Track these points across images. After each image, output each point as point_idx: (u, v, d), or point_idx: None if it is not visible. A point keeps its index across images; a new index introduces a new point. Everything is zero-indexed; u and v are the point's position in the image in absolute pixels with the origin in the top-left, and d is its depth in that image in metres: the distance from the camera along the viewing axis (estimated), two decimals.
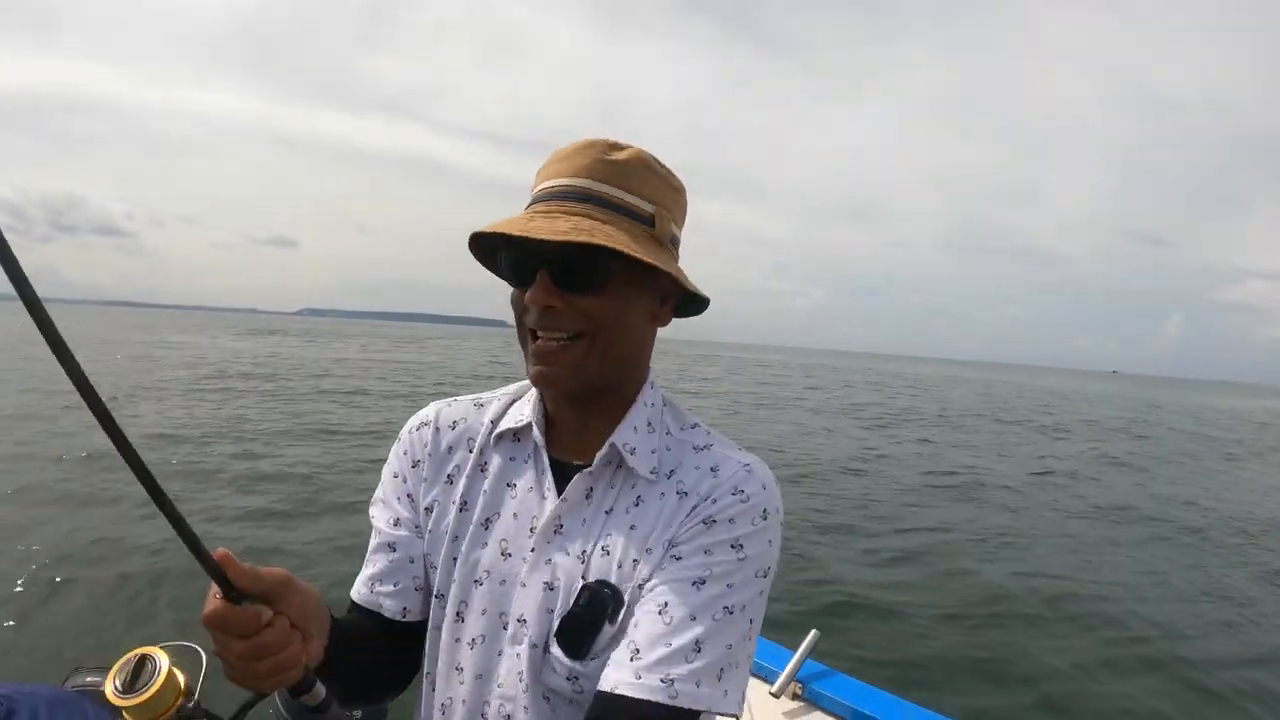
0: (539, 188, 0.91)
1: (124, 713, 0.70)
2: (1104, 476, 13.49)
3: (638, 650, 0.82)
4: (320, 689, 0.75)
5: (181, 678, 0.74)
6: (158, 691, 0.72)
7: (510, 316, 0.93)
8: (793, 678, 2.52)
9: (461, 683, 0.93)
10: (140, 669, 0.72)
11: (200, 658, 0.75)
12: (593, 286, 0.87)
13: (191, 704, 0.75)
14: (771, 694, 2.51)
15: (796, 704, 2.49)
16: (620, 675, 0.82)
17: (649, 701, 0.80)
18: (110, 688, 0.72)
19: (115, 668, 0.72)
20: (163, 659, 0.74)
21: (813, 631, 2.65)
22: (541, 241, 0.83)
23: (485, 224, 0.87)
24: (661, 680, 0.80)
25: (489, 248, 0.93)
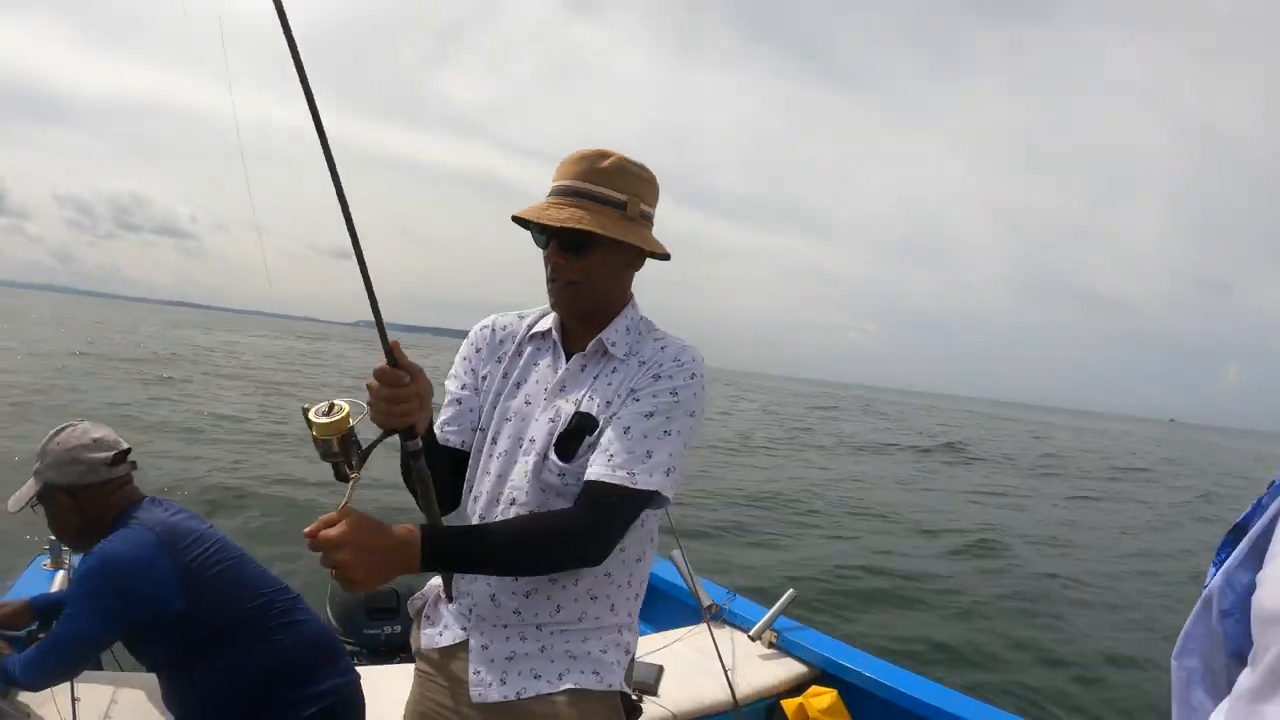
0: (555, 184, 1.39)
1: (316, 430, 1.18)
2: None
3: (611, 456, 1.29)
4: (418, 441, 1.24)
5: (351, 417, 1.19)
6: (342, 419, 1.17)
7: None
8: (769, 626, 2.85)
9: (487, 481, 1.40)
10: (331, 406, 1.18)
11: (360, 408, 1.20)
12: (582, 253, 1.35)
13: (352, 431, 1.20)
14: (749, 637, 2.85)
15: (771, 650, 2.83)
16: (600, 471, 1.28)
17: (618, 485, 1.27)
18: (314, 412, 1.18)
19: (316, 406, 1.19)
20: (342, 403, 1.19)
21: (790, 590, 2.97)
22: (550, 229, 1.34)
23: (522, 209, 1.37)
24: (627, 473, 1.27)
25: (523, 222, 1.41)
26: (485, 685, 1.36)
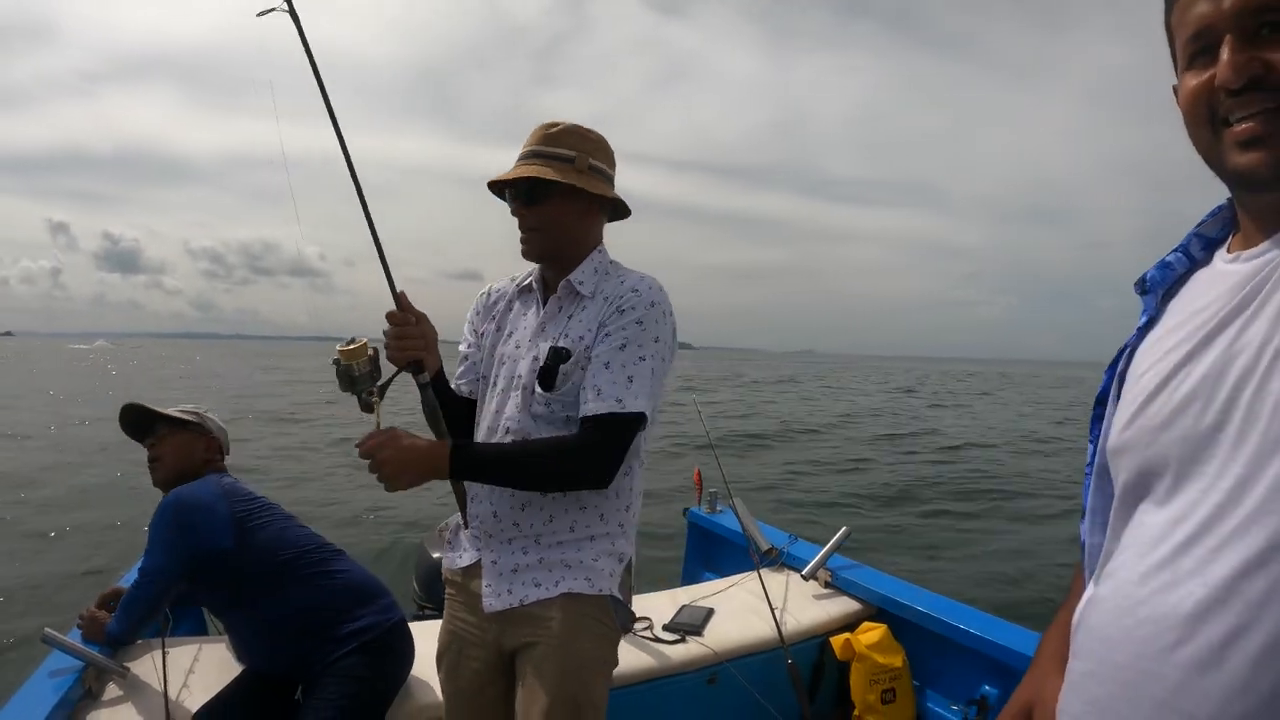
0: (518, 157, 1.60)
1: (341, 356, 1.45)
2: None
3: (599, 390, 1.47)
4: (426, 376, 1.57)
5: (370, 347, 1.48)
6: (360, 346, 1.46)
7: None
8: (822, 564, 2.85)
9: (488, 416, 1.62)
10: (353, 340, 1.47)
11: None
12: (536, 202, 1.56)
13: (373, 364, 1.49)
14: (802, 577, 2.86)
15: (825, 589, 2.83)
16: (592, 405, 1.46)
17: (610, 412, 1.45)
18: (338, 347, 1.45)
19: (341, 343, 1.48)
20: (362, 337, 1.47)
21: (843, 528, 2.95)
22: (507, 181, 1.57)
23: (497, 175, 1.59)
24: (615, 400, 1.45)
25: (498, 191, 1.63)
26: (495, 596, 1.55)
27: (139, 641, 2.37)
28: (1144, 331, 0.84)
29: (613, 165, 1.63)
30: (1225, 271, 0.76)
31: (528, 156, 1.59)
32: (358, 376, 1.47)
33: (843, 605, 2.72)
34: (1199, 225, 0.85)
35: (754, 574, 2.78)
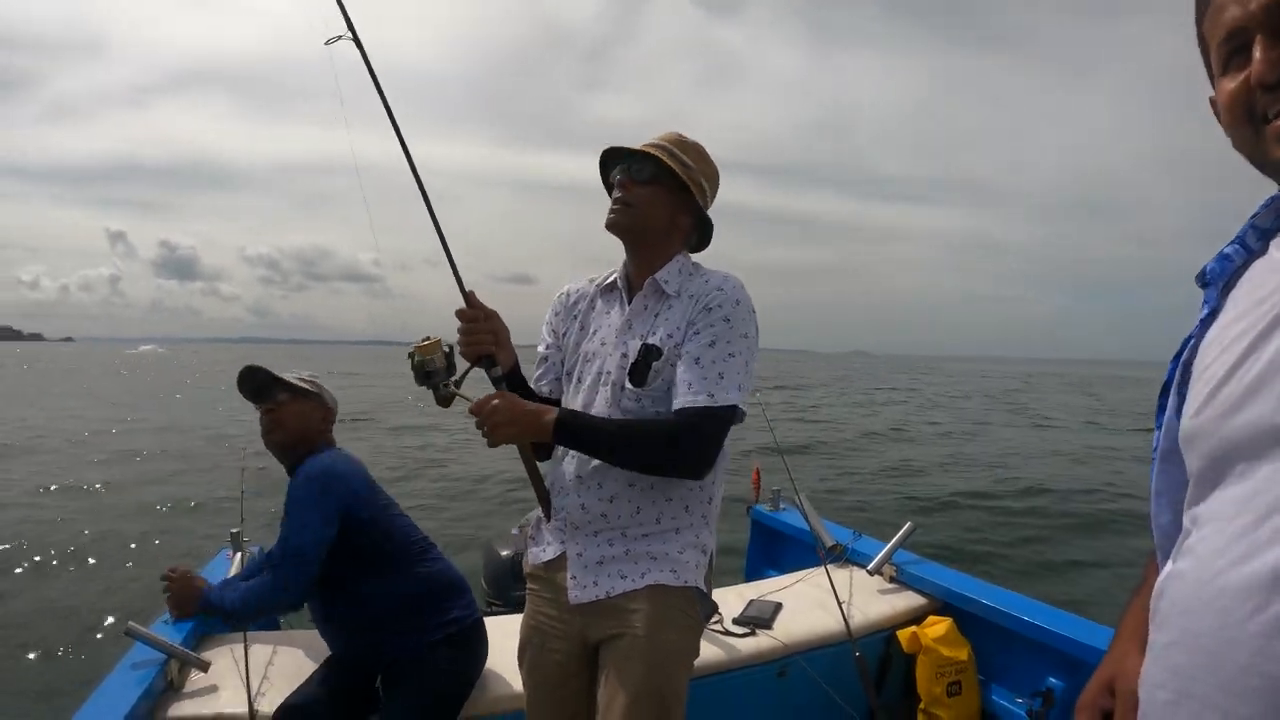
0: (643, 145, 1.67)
1: (416, 351, 1.55)
2: None
3: (690, 384, 1.52)
4: (499, 369, 1.60)
5: (444, 343, 1.57)
6: (433, 343, 1.55)
7: None
8: (888, 560, 2.90)
9: (574, 408, 1.65)
10: (427, 337, 1.56)
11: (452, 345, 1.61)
12: (645, 182, 1.62)
13: (448, 359, 1.58)
14: (868, 572, 2.91)
15: (890, 584, 2.88)
16: (683, 400, 1.51)
17: (705, 407, 1.50)
18: (412, 344, 1.55)
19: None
20: (435, 336, 1.58)
21: (908, 524, 2.99)
22: (626, 152, 1.65)
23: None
24: (707, 395, 1.50)
25: (606, 173, 1.71)
26: (580, 588, 1.60)
27: (217, 636, 2.49)
28: (1206, 323, 0.86)
29: (712, 199, 1.72)
30: None
31: (653, 146, 1.66)
32: (432, 371, 1.55)
33: (908, 599, 2.77)
34: (1253, 217, 0.87)
35: (820, 569, 2.85)
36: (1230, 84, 0.77)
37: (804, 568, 3.09)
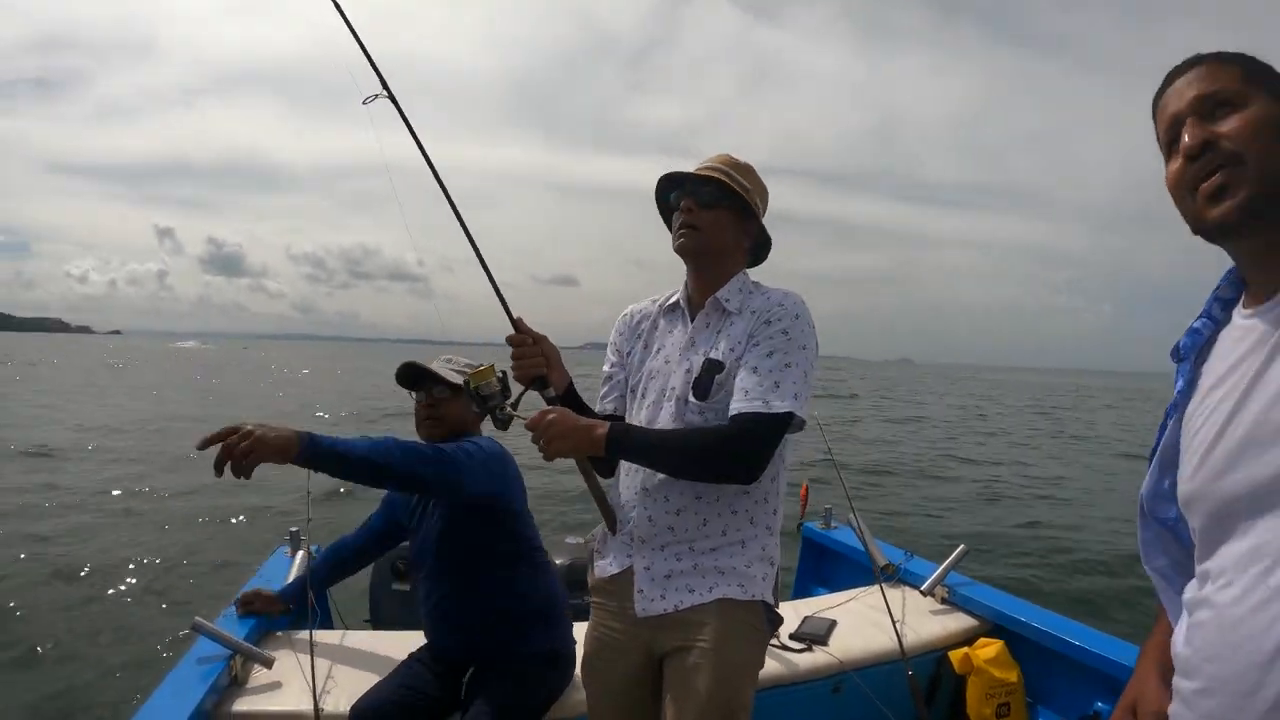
0: (697, 168, 1.73)
1: (471, 379, 1.64)
2: None
3: (746, 391, 1.56)
4: (552, 390, 1.68)
5: (497, 369, 1.65)
6: (487, 369, 1.64)
7: None
8: (940, 581, 2.99)
9: (639, 424, 1.71)
10: (480, 365, 1.67)
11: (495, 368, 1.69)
12: (710, 206, 1.68)
13: (502, 383, 1.65)
14: (921, 593, 3.00)
15: (942, 605, 2.96)
16: (740, 405, 1.55)
17: (757, 412, 1.54)
18: (469, 370, 1.66)
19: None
20: (488, 363, 1.66)
21: (961, 546, 3.07)
22: (692, 177, 1.71)
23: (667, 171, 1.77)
24: (761, 401, 1.54)
25: (663, 198, 1.78)
26: (648, 601, 1.63)
27: (279, 634, 2.57)
28: (1185, 394, 0.96)
29: (764, 215, 1.78)
30: (1245, 326, 0.89)
31: (710, 169, 1.72)
32: (488, 395, 1.61)
33: (960, 621, 2.85)
34: (1216, 289, 0.97)
35: (873, 588, 2.93)
36: (1172, 166, 0.91)
37: (855, 586, 3.18)
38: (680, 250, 1.72)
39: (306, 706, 2.12)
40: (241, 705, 2.16)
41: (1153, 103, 0.96)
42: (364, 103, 1.65)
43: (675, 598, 1.61)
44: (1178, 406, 0.97)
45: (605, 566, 1.74)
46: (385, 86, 1.68)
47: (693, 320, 1.73)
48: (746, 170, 1.74)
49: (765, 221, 1.78)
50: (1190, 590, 0.92)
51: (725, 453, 1.54)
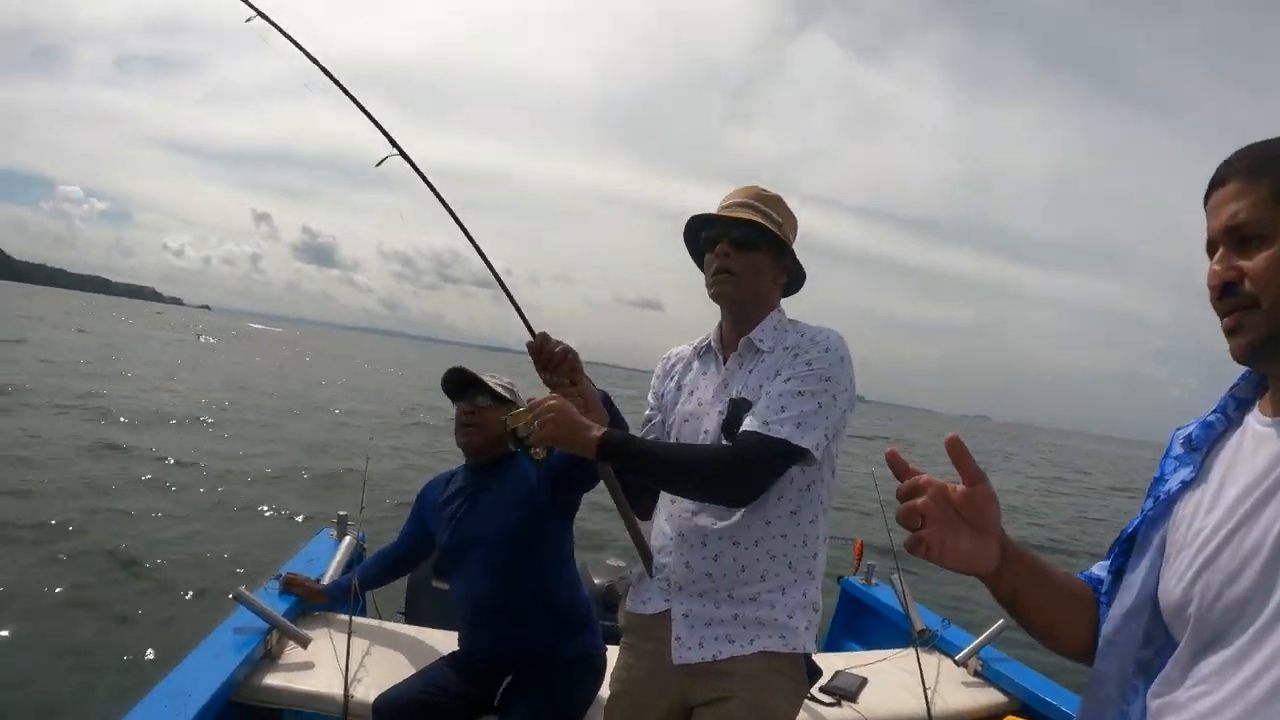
0: (728, 202, 1.68)
1: (510, 419, 1.54)
2: None
3: (754, 415, 1.54)
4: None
5: (527, 414, 1.52)
6: (527, 408, 1.52)
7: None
8: (975, 653, 3.00)
9: None
10: (520, 406, 1.63)
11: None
12: (747, 249, 1.63)
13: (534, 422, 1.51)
14: (955, 662, 3.03)
15: (975, 678, 2.97)
16: (746, 424, 1.53)
17: (754, 431, 1.50)
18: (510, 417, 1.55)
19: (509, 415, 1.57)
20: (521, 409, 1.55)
21: (1000, 621, 3.08)
22: (728, 220, 1.64)
23: (704, 210, 1.71)
24: (762, 423, 1.51)
25: (693, 233, 1.72)
26: (686, 649, 1.58)
27: (317, 614, 2.64)
28: (1187, 486, 0.93)
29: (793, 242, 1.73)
30: (1263, 434, 0.87)
31: (741, 206, 1.66)
32: (525, 436, 1.55)
33: (990, 696, 2.85)
34: (1233, 388, 0.96)
35: (908, 651, 2.95)
36: (1210, 281, 0.91)
37: (888, 646, 3.19)
38: (717, 298, 1.68)
39: (336, 690, 2.14)
40: (273, 679, 2.20)
41: (1204, 197, 0.94)
42: (376, 165, 1.67)
43: (714, 647, 1.57)
44: (1171, 497, 0.95)
45: (640, 605, 1.71)
46: (395, 146, 1.69)
47: (725, 362, 1.71)
48: (776, 202, 1.68)
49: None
50: (1157, 690, 0.89)
51: (718, 472, 1.52)
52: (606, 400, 1.69)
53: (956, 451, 0.88)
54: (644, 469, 1.55)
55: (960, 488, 0.89)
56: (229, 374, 24.92)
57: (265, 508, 7.80)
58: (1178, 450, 0.98)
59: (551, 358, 1.59)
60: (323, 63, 1.72)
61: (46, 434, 9.85)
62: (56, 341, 27.61)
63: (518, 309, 1.68)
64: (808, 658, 1.61)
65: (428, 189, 1.72)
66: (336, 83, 1.71)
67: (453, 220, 1.70)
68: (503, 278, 1.71)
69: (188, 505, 7.31)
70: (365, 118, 1.71)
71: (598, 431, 1.47)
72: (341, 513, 3.41)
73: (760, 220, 1.63)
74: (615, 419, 1.65)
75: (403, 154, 1.68)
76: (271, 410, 16.00)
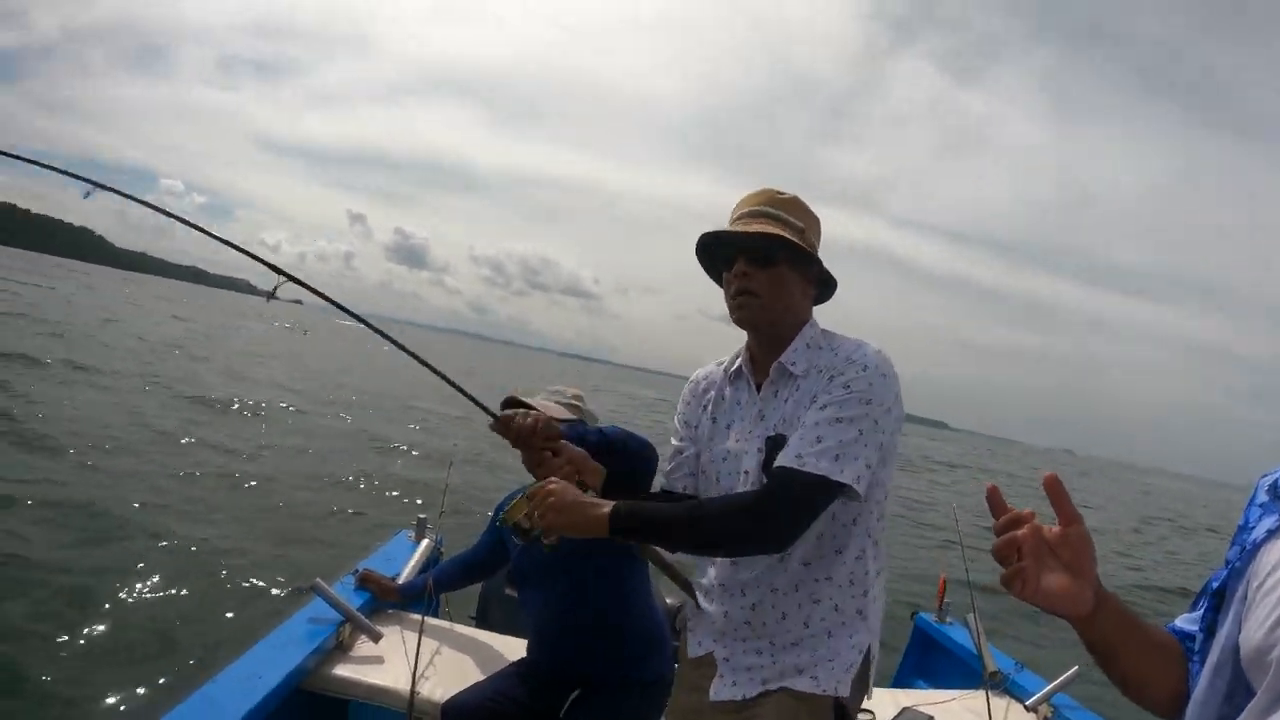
0: (739, 212, 1.55)
1: (508, 516, 1.48)
2: None
3: (788, 448, 1.41)
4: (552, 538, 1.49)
5: (525, 505, 1.45)
6: (522, 504, 1.45)
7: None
8: (1047, 700, 2.94)
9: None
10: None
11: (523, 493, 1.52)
12: (767, 265, 1.48)
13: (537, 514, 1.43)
14: (1026, 706, 2.97)
15: None
16: (779, 459, 1.41)
17: (787, 467, 1.38)
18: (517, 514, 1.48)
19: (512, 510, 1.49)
20: (521, 501, 1.47)
21: (1075, 668, 3.01)
22: (741, 236, 1.49)
23: (716, 228, 1.56)
24: (795, 456, 1.38)
25: (706, 250, 1.59)
26: (723, 686, 1.55)
27: (391, 611, 2.67)
28: (1273, 535, 0.88)
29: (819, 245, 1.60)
30: None
31: (759, 216, 1.52)
32: (528, 528, 1.47)
33: None
34: None
35: (978, 693, 2.92)
36: None
37: (958, 687, 3.15)
38: (740, 323, 1.55)
39: (404, 686, 2.15)
40: (343, 670, 2.23)
41: None
42: (268, 300, 1.68)
43: (747, 688, 1.53)
44: (1257, 544, 0.89)
45: (693, 646, 1.66)
46: (285, 275, 1.68)
47: (759, 388, 1.58)
48: (793, 204, 1.55)
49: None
50: None
51: (742, 528, 1.38)
52: (602, 444, 1.66)
53: (1055, 491, 0.85)
54: (661, 537, 1.46)
55: (1056, 529, 0.86)
56: (328, 368, 25.67)
57: (349, 508, 7.97)
58: (1263, 498, 0.92)
59: (520, 434, 1.54)
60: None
61: (150, 417, 10.32)
62: (191, 336, 28.57)
63: (466, 393, 1.66)
64: (838, 702, 1.48)
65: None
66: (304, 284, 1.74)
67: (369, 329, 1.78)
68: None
69: (266, 503, 7.55)
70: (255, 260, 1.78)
71: (605, 509, 1.39)
72: (421, 516, 3.46)
73: (777, 230, 1.49)
74: (619, 458, 1.64)
75: (294, 280, 1.69)
76: (361, 408, 16.43)
